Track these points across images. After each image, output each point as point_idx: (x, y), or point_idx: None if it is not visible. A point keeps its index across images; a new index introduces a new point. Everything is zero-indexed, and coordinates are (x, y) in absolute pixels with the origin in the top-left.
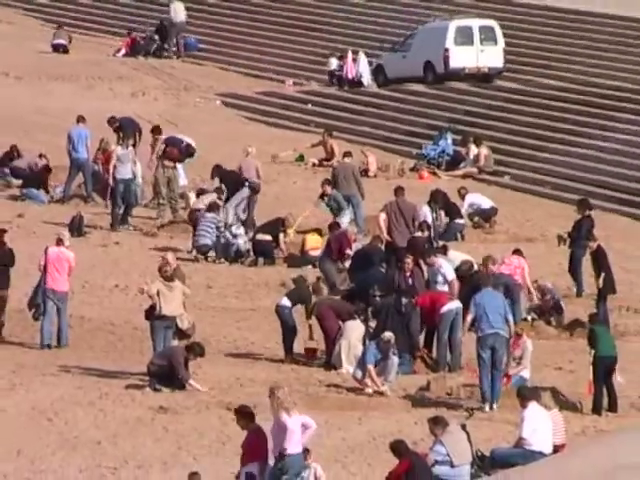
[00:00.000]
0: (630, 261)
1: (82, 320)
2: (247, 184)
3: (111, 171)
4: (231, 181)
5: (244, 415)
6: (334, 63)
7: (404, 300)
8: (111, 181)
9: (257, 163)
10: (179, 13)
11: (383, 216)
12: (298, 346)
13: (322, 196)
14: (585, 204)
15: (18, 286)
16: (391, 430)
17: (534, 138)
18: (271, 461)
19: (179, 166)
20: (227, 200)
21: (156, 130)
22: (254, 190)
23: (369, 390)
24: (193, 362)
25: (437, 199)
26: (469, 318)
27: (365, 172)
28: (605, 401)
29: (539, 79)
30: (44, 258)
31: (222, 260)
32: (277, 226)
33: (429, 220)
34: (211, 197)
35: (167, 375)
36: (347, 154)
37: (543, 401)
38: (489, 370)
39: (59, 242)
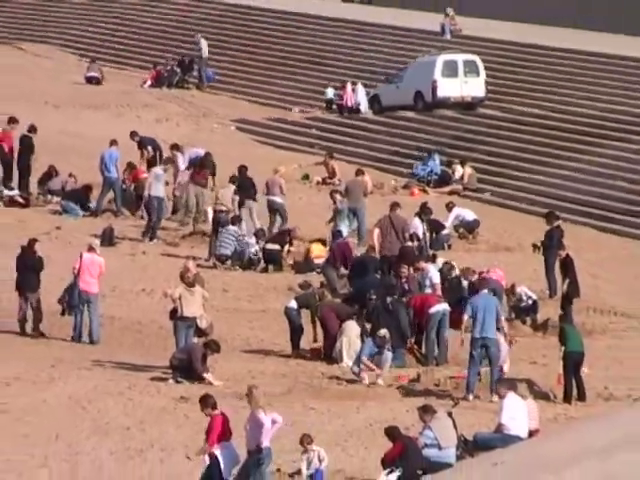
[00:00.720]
0: (596, 268)
1: (113, 320)
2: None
3: (147, 188)
4: (246, 186)
5: (207, 404)
6: (330, 92)
7: (389, 299)
8: (146, 195)
9: (282, 181)
10: (204, 49)
11: (377, 231)
12: (303, 343)
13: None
14: (552, 216)
15: (53, 290)
16: (385, 417)
17: (512, 160)
18: (243, 451)
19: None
20: (241, 203)
21: (175, 147)
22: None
23: (366, 382)
24: (211, 357)
25: (426, 211)
26: (466, 317)
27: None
28: (574, 392)
29: (517, 107)
30: (79, 262)
31: (236, 267)
32: (284, 237)
33: (419, 232)
34: (230, 191)
35: (187, 368)
36: (360, 172)
37: (520, 391)
38: (477, 366)
39: (91, 249)
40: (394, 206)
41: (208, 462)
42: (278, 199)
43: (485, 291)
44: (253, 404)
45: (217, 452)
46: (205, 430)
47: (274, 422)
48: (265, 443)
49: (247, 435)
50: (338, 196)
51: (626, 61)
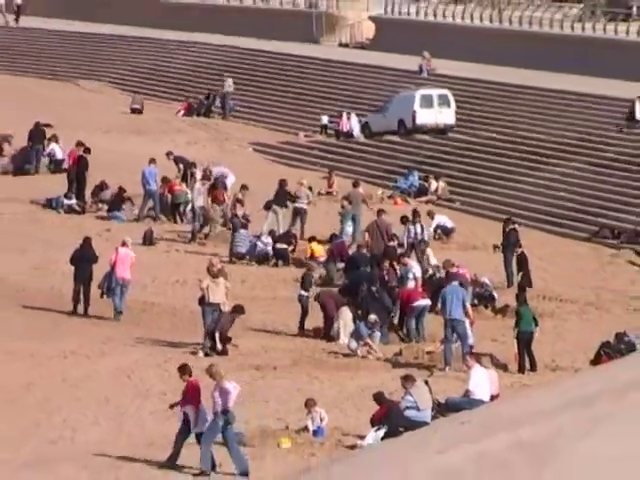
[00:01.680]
0: (545, 263)
1: (152, 305)
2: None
3: (192, 200)
4: (281, 195)
5: (184, 371)
6: (325, 119)
7: (373, 288)
8: (194, 206)
9: (307, 191)
10: (230, 85)
11: (366, 234)
12: (307, 325)
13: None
14: (508, 221)
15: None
16: (374, 384)
17: (477, 175)
18: (211, 414)
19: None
20: (268, 206)
21: (194, 165)
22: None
23: (359, 355)
24: (233, 336)
25: (416, 216)
26: (440, 304)
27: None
28: (527, 364)
29: (481, 133)
30: (115, 255)
31: (252, 263)
32: (290, 238)
33: (426, 237)
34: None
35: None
36: (357, 184)
37: (483, 363)
38: (450, 342)
39: (124, 244)
40: (380, 212)
41: (182, 418)
42: (304, 206)
43: (455, 282)
44: (218, 377)
45: (188, 411)
46: (182, 392)
47: (235, 389)
48: (231, 406)
49: (214, 401)
50: (345, 203)
51: (568, 95)
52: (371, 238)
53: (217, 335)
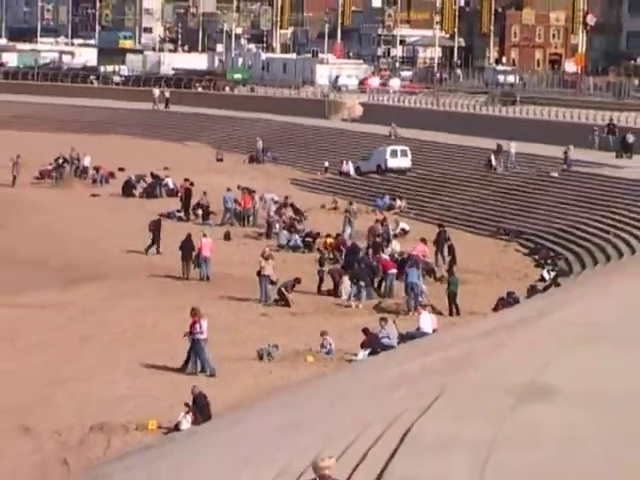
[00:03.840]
0: (465, 250)
1: (229, 276)
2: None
3: (254, 213)
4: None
5: (194, 313)
6: (326, 163)
7: (363, 265)
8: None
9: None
10: (260, 144)
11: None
12: (322, 288)
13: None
14: (440, 224)
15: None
16: (363, 323)
17: (423, 197)
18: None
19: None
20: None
21: (248, 189)
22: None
23: (354, 306)
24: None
25: (384, 222)
26: (404, 274)
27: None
28: (454, 310)
29: (425, 171)
30: (200, 243)
31: (289, 250)
32: (312, 235)
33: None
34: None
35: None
36: (351, 203)
37: (428, 310)
38: (410, 298)
39: (205, 236)
40: (376, 222)
41: (190, 343)
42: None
43: (413, 260)
44: (199, 315)
45: (196, 337)
46: (189, 324)
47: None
48: (205, 336)
49: (200, 331)
50: (346, 214)
51: (468, 148)
52: (369, 234)
53: (283, 289)
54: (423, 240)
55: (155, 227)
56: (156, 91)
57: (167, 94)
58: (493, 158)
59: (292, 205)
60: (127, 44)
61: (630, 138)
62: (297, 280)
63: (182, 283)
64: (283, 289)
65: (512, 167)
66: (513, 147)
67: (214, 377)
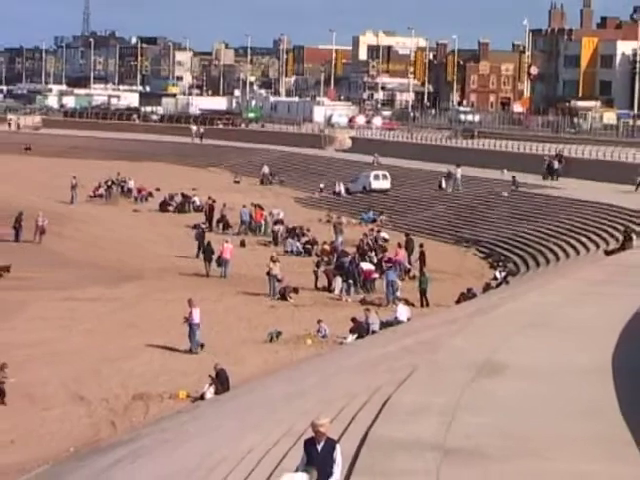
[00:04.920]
0: (433, 254)
1: (244, 275)
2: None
3: (265, 225)
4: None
5: (190, 303)
6: (322, 185)
7: (351, 267)
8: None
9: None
10: (266, 169)
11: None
12: (318, 285)
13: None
14: (407, 234)
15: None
16: (351, 313)
17: (399, 211)
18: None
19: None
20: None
21: (259, 206)
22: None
23: (344, 300)
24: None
25: (369, 233)
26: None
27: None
28: (425, 303)
29: (401, 192)
30: (222, 247)
31: (292, 255)
32: (311, 243)
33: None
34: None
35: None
36: (339, 217)
37: (403, 302)
38: (389, 292)
39: (226, 242)
40: (369, 232)
41: (188, 327)
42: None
43: (392, 263)
44: (193, 304)
45: (192, 323)
46: (187, 313)
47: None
48: (197, 321)
49: (193, 316)
50: (337, 226)
51: (433, 172)
52: (361, 243)
53: (284, 291)
54: (400, 246)
55: (200, 238)
56: (193, 127)
57: (202, 130)
58: (444, 181)
59: (301, 228)
60: (174, 89)
61: (555, 164)
62: (294, 289)
63: (204, 280)
64: (284, 291)
65: (457, 188)
66: (459, 172)
67: (197, 354)
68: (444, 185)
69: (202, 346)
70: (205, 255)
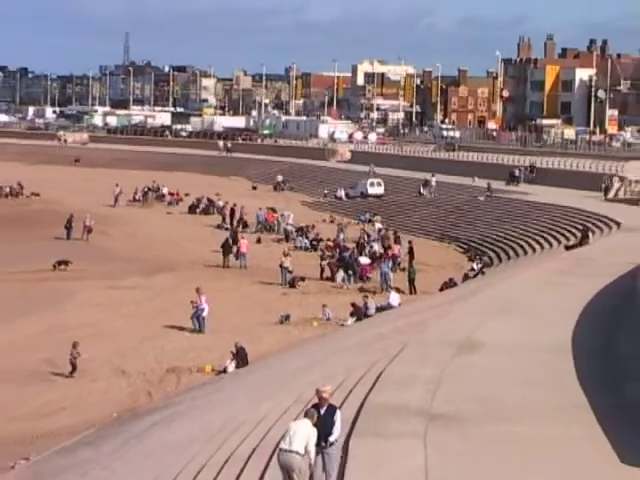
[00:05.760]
0: (420, 250)
1: (260, 267)
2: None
3: (278, 224)
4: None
5: (198, 291)
6: (326, 190)
7: (350, 260)
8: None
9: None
10: (279, 178)
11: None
12: (323, 275)
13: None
14: (395, 231)
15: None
16: (351, 299)
17: (390, 213)
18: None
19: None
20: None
21: (272, 209)
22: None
23: (345, 288)
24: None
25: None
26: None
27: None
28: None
29: (393, 197)
30: (240, 242)
31: (301, 250)
32: (317, 240)
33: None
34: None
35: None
36: (341, 219)
37: (395, 290)
38: (384, 281)
39: (243, 238)
40: (362, 231)
41: (194, 310)
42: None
43: (386, 257)
44: (200, 293)
45: (198, 307)
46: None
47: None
48: (203, 306)
49: (200, 304)
50: (339, 225)
51: (416, 180)
52: (358, 240)
53: (294, 280)
54: (396, 241)
55: (233, 237)
56: (220, 142)
57: (229, 144)
58: (422, 188)
59: (308, 227)
60: (209, 111)
61: (516, 172)
62: (302, 278)
63: (226, 272)
64: (293, 281)
65: (433, 194)
66: (434, 180)
67: (202, 333)
68: (422, 191)
69: (201, 331)
70: (224, 250)
